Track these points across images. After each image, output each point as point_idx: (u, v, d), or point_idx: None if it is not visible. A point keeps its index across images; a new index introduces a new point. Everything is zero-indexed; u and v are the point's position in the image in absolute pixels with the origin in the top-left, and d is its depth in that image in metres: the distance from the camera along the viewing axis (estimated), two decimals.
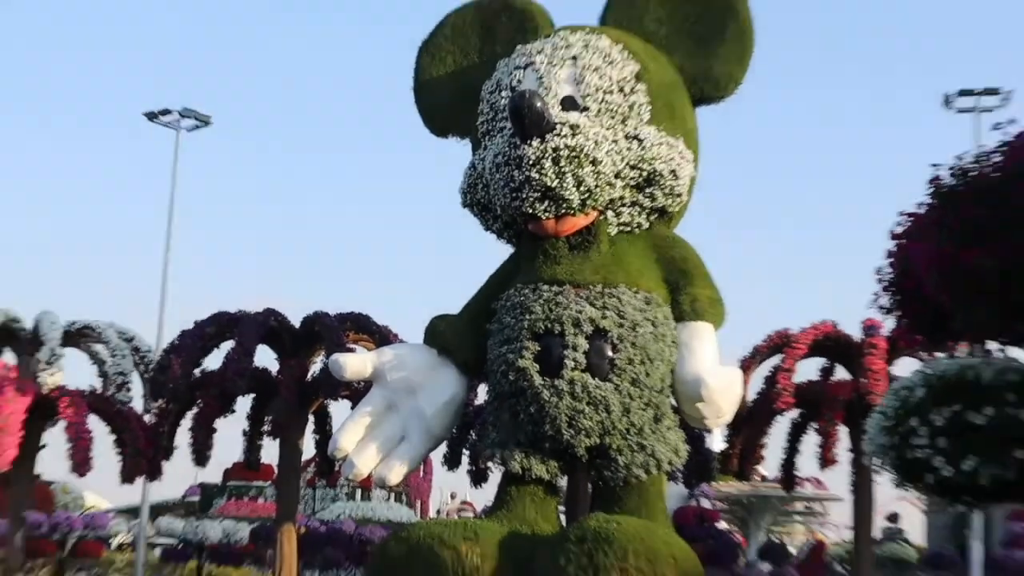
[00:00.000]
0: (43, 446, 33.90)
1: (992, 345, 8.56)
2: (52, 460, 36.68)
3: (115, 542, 51.15)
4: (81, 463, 30.49)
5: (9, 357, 36.02)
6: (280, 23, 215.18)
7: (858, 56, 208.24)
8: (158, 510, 55.07)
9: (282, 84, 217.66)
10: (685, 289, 24.78)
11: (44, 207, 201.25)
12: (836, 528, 65.95)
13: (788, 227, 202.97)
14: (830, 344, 28.84)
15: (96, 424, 31.33)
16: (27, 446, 31.81)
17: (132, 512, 50.67)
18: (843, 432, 28.34)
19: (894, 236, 8.08)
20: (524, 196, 23.85)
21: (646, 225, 25.14)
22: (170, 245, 40.19)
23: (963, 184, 7.38)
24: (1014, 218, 7.03)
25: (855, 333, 28.32)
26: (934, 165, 7.62)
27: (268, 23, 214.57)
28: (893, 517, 50.98)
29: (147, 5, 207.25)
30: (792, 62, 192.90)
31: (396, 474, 25.75)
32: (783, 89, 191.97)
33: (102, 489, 64.93)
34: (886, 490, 29.78)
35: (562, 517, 25.47)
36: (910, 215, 7.89)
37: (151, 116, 41.95)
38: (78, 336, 34.65)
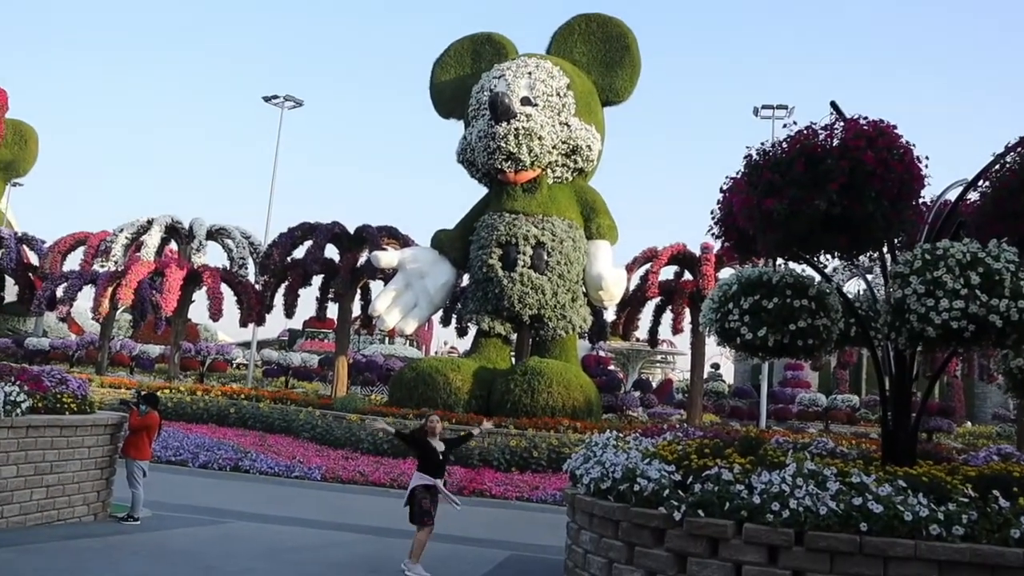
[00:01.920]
0: (193, 301, 33.69)
1: (778, 260, 8.62)
2: (198, 310, 36.64)
3: (235, 363, 50.89)
4: (216, 313, 30.35)
5: (173, 245, 35.73)
6: (358, 25, 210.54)
7: (705, 76, 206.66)
8: (262, 344, 55.03)
9: (349, 80, 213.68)
10: (593, 219, 24.90)
11: (201, 155, 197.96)
12: (680, 372, 66.81)
13: (661, 183, 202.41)
14: (681, 257, 28.91)
15: (225, 289, 31.14)
16: (183, 300, 31.65)
17: (246, 344, 50.56)
18: (687, 312, 28.50)
19: (722, 190, 8.08)
20: (496, 157, 23.82)
21: (571, 179, 25.17)
22: (275, 179, 39.74)
23: (764, 160, 7.38)
24: (792, 181, 7.07)
25: (697, 251, 28.36)
26: (747, 147, 7.62)
27: (350, 24, 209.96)
28: (716, 365, 51.50)
29: (261, 8, 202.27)
30: (662, 79, 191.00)
31: (411, 327, 25.96)
32: (660, 94, 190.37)
33: (228, 329, 64.94)
34: (711, 348, 30.09)
35: (512, 358, 25.72)
36: (732, 178, 7.88)
37: (266, 99, 41.28)
38: (216, 233, 34.25)
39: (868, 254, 8.33)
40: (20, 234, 36.89)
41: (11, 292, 36.74)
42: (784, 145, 7.28)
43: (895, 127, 7.15)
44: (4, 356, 40.29)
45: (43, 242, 35.31)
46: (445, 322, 30.33)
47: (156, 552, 9.54)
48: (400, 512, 10.02)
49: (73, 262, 35.02)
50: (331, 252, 29.92)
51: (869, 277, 13.75)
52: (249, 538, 11.08)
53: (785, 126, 7.56)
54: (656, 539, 6.79)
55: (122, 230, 32.16)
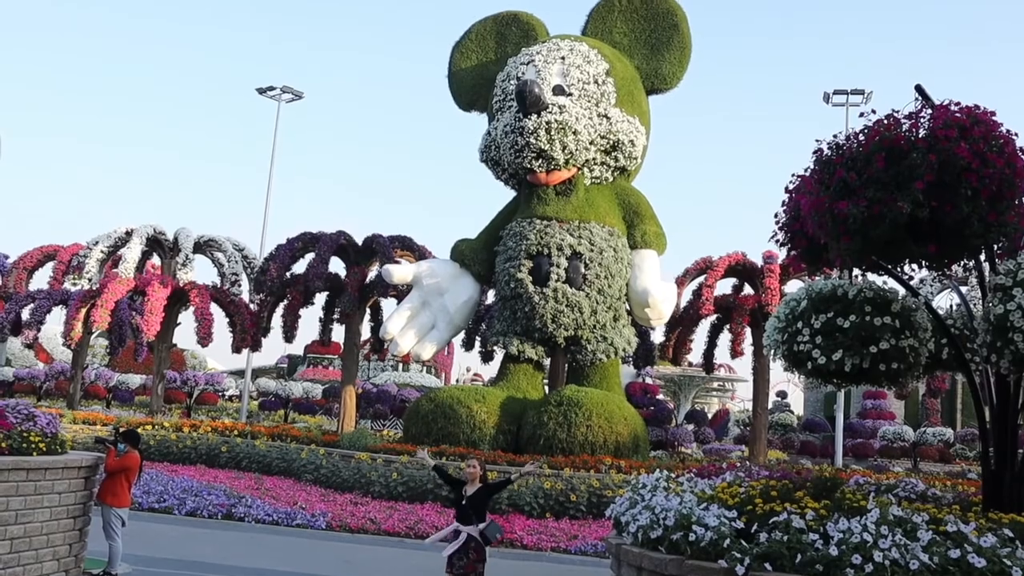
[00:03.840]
0: (178, 323, 34.05)
1: (855, 271, 8.55)
2: (184, 334, 37.00)
3: (227, 394, 51.35)
4: (205, 336, 30.64)
5: (155, 259, 36.16)
6: (356, 16, 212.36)
7: (763, 60, 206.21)
8: (258, 373, 55.48)
9: (355, 67, 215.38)
10: (638, 225, 24.89)
11: (187, 154, 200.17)
12: (741, 401, 66.47)
13: (715, 184, 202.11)
14: (740, 268, 28.82)
15: (215, 309, 31.44)
16: (167, 323, 31.97)
17: (239, 373, 50.94)
18: (748, 332, 28.38)
19: (787, 190, 8.04)
20: (524, 155, 23.89)
21: (611, 179, 25.20)
22: (271, 184, 40.05)
23: (836, 155, 7.33)
24: (870, 180, 7.01)
25: (758, 261, 28.27)
26: (817, 140, 7.57)
27: (349, 15, 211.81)
28: (782, 394, 51.22)
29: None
30: (715, 63, 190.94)
31: (428, 352, 26.00)
32: (712, 81, 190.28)
33: (219, 356, 65.57)
34: (777, 374, 29.92)
35: (545, 387, 25.69)
36: (799, 176, 7.83)
37: (261, 91, 41.69)
38: (205, 246, 34.65)
39: (962, 263, 8.23)
40: None
41: None
42: (861, 137, 7.22)
43: (993, 114, 7.07)
44: None
45: (6, 257, 35.95)
46: (468, 346, 30.41)
47: None
48: (416, 567, 9.99)
49: (41, 280, 35.56)
50: (336, 266, 30.15)
51: (964, 290, 13.60)
52: None
53: (862, 115, 7.51)
54: None
55: (97, 243, 32.59)
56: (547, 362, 25.26)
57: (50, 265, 34.63)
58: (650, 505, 7.70)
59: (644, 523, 7.53)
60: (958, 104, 7.12)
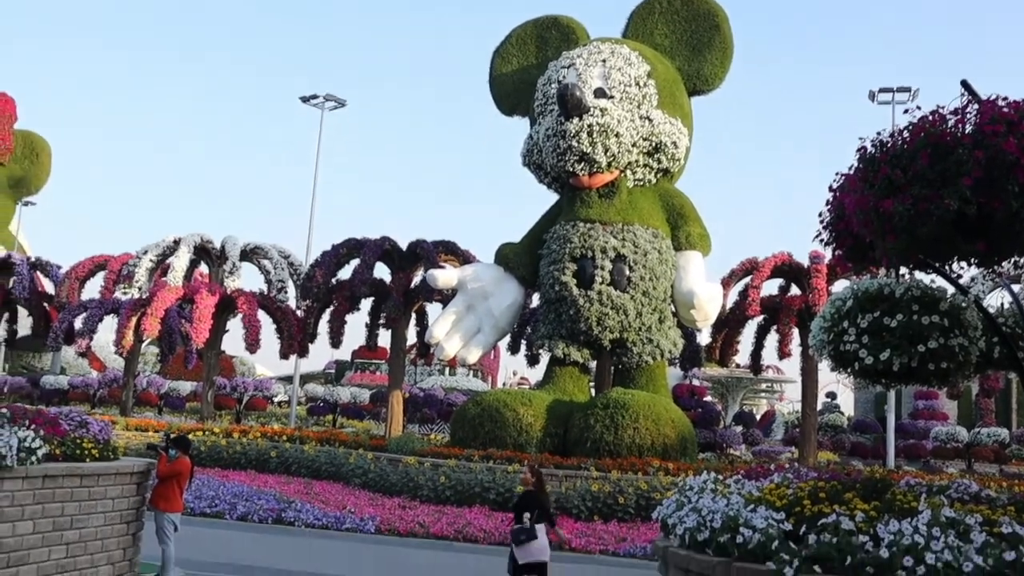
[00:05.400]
0: (227, 330, 34.43)
1: (902, 270, 8.45)
2: (233, 341, 37.43)
3: (276, 399, 51.83)
4: (253, 343, 30.96)
5: (203, 267, 36.64)
6: (401, 23, 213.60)
7: (807, 58, 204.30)
8: (306, 378, 55.94)
9: (396, 73, 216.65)
10: (682, 227, 24.79)
11: (233, 163, 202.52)
12: (790, 402, 65.84)
13: (759, 184, 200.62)
14: (786, 268, 28.62)
15: (263, 316, 31.74)
16: (216, 330, 32.36)
17: (287, 379, 51.41)
18: (795, 333, 28.18)
19: (831, 189, 7.96)
20: (567, 159, 23.89)
21: (654, 181, 25.13)
22: (315, 191, 40.39)
23: (881, 152, 7.25)
24: (916, 177, 6.93)
25: (804, 261, 28.03)
26: (861, 138, 7.49)
27: (393, 22, 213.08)
28: (832, 395, 50.71)
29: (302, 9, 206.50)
30: (758, 63, 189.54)
31: (473, 356, 26.07)
32: (755, 81, 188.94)
33: (267, 362, 66.24)
34: (826, 375, 29.66)
35: (592, 390, 25.65)
36: (843, 174, 7.76)
37: (304, 99, 42.11)
38: (251, 253, 35.02)
39: (1012, 260, 8.11)
40: (33, 259, 38.19)
41: (24, 325, 37.96)
42: (905, 134, 7.14)
43: None
44: (18, 397, 41.69)
45: (59, 267, 36.52)
46: (513, 349, 30.45)
47: None
48: (466, 570, 10.03)
49: (92, 289, 36.14)
50: (381, 272, 30.34)
51: (1015, 288, 13.39)
52: None
53: (906, 111, 7.43)
54: None
55: (146, 252, 33.05)
56: (593, 365, 25.22)
57: (101, 275, 35.16)
58: (697, 507, 7.65)
59: (691, 525, 7.49)
60: (1006, 99, 7.02)
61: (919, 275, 8.56)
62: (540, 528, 10.16)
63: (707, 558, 7.18)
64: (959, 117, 7.05)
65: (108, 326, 33.74)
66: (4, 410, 10.87)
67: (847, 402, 57.52)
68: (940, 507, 6.77)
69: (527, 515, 10.12)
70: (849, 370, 8.15)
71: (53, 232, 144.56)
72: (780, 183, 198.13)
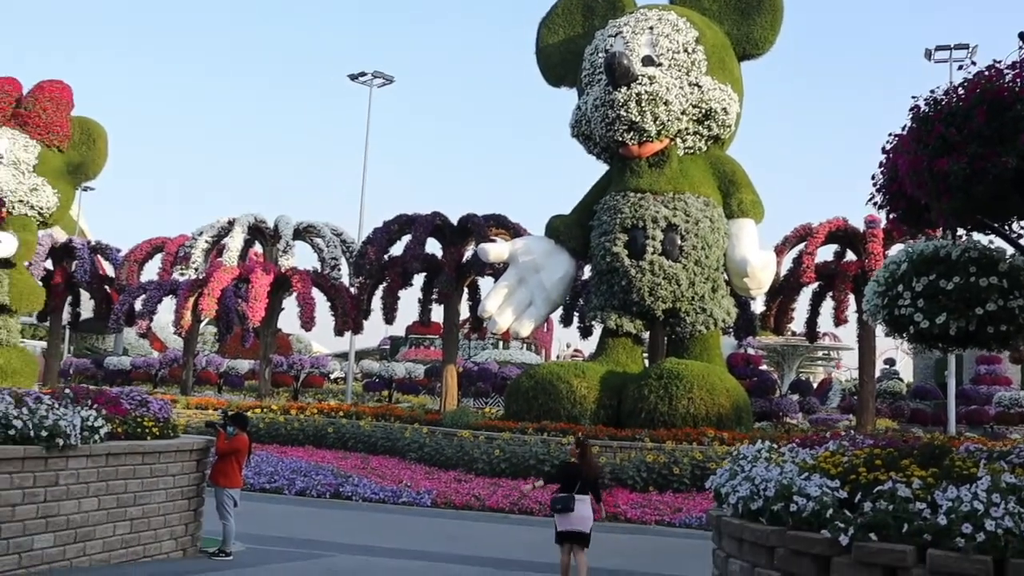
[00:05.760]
0: (282, 309, 34.78)
1: (959, 231, 8.25)
2: (288, 319, 37.84)
3: (332, 376, 52.38)
4: (308, 321, 31.23)
5: (257, 247, 37.01)
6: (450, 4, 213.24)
7: (861, 18, 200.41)
8: (361, 355, 56.47)
9: (444, 48, 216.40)
10: (734, 194, 24.50)
11: (283, 143, 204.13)
12: (847, 370, 65.05)
13: (814, 149, 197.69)
14: (841, 234, 28.20)
15: (317, 294, 32.00)
16: (271, 309, 32.68)
17: (343, 356, 51.90)
18: (851, 299, 27.81)
19: (884, 151, 7.79)
20: (616, 128, 23.71)
21: (705, 148, 24.85)
22: (366, 167, 40.61)
23: (935, 111, 7.07)
24: (971, 135, 6.74)
25: (860, 226, 27.61)
26: (914, 97, 7.30)
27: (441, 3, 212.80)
28: (890, 361, 49.92)
29: None
30: (809, 24, 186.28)
31: (526, 329, 26.08)
32: (807, 43, 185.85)
33: (323, 339, 66.95)
34: (884, 342, 29.26)
35: (645, 361, 25.55)
36: (896, 135, 7.58)
37: (352, 77, 42.25)
38: (304, 232, 35.26)
39: None
40: (94, 243, 38.87)
41: (87, 308, 38.71)
42: (961, 91, 6.94)
43: None
44: (83, 378, 42.60)
45: (118, 251, 37.10)
46: (566, 321, 30.41)
47: None
48: (521, 541, 10.08)
49: (151, 272, 36.72)
50: (433, 247, 30.39)
51: None
52: (352, 573, 11.35)
53: (960, 67, 7.23)
54: (820, 568, 6.58)
55: (201, 233, 33.45)
56: (646, 335, 25.10)
57: (159, 257, 35.70)
58: (750, 476, 7.57)
59: (744, 494, 7.41)
60: None
61: (976, 236, 8.36)
62: (581, 500, 10.43)
63: (761, 527, 7.11)
64: (1017, 72, 6.83)
65: (167, 307, 34.30)
66: (67, 391, 11.13)
67: (907, 369, 56.73)
68: (1001, 473, 6.62)
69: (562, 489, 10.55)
70: (904, 335, 8.01)
71: (112, 216, 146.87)
72: (836, 147, 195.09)
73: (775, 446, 8.95)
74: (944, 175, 6.83)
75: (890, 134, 7.65)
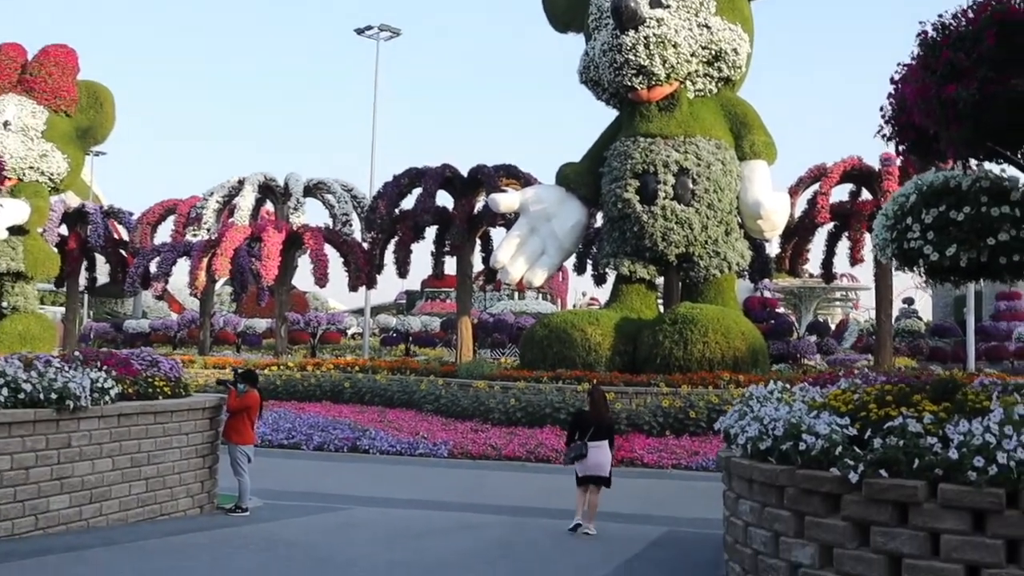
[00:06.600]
0: (296, 266, 34.78)
1: (970, 161, 8.04)
2: (303, 276, 37.86)
3: (349, 332, 52.47)
4: (321, 277, 31.19)
5: (268, 206, 36.95)
6: None
7: None
8: (377, 310, 56.48)
9: (452, 1, 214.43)
10: (746, 136, 24.20)
11: (290, 99, 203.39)
12: (865, 310, 64.72)
13: (824, 87, 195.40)
14: (856, 173, 27.81)
15: (329, 250, 31.93)
16: (285, 267, 32.66)
17: (360, 311, 52.00)
18: (867, 238, 27.52)
19: (892, 81, 7.58)
20: (624, 73, 23.40)
21: (715, 91, 24.51)
22: (375, 122, 40.40)
23: (942, 36, 6.86)
24: (981, 59, 6.53)
25: (875, 164, 27.23)
26: (921, 23, 7.08)
27: None
28: (909, 300, 49.58)
29: None
30: None
31: (539, 278, 25.95)
32: None
33: (339, 296, 67.02)
34: (902, 280, 29.03)
35: (660, 306, 25.44)
36: (905, 64, 7.37)
37: (359, 31, 41.85)
38: (314, 189, 35.11)
39: None
40: (107, 207, 38.88)
41: (103, 272, 38.81)
42: (969, 14, 6.72)
43: None
44: (103, 342, 42.82)
45: (131, 214, 37.09)
46: (579, 269, 30.28)
47: (266, 545, 9.90)
48: (538, 489, 10.10)
49: (164, 234, 36.74)
50: (444, 199, 30.21)
51: None
52: (369, 525, 11.38)
53: None
54: (830, 506, 6.51)
55: (212, 194, 33.37)
56: (660, 281, 24.98)
57: (171, 219, 35.69)
58: (759, 416, 7.47)
59: (753, 434, 7.32)
60: None
61: (988, 166, 8.16)
62: (595, 446, 10.75)
63: (770, 467, 7.03)
64: None
65: (182, 268, 34.30)
66: (77, 354, 11.14)
67: (925, 307, 56.38)
68: (1014, 405, 6.50)
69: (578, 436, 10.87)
70: (915, 269, 7.85)
71: (124, 180, 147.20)
72: (848, 85, 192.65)
73: (787, 386, 8.85)
74: (953, 102, 6.63)
75: (898, 64, 7.44)
